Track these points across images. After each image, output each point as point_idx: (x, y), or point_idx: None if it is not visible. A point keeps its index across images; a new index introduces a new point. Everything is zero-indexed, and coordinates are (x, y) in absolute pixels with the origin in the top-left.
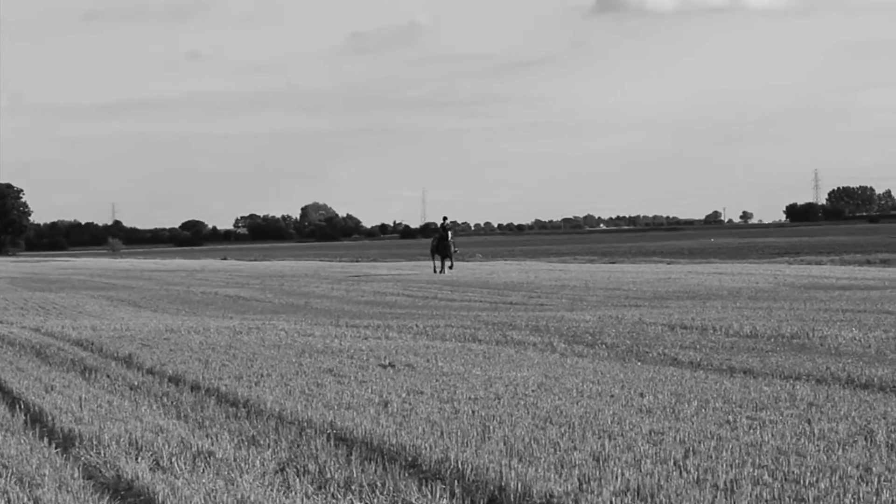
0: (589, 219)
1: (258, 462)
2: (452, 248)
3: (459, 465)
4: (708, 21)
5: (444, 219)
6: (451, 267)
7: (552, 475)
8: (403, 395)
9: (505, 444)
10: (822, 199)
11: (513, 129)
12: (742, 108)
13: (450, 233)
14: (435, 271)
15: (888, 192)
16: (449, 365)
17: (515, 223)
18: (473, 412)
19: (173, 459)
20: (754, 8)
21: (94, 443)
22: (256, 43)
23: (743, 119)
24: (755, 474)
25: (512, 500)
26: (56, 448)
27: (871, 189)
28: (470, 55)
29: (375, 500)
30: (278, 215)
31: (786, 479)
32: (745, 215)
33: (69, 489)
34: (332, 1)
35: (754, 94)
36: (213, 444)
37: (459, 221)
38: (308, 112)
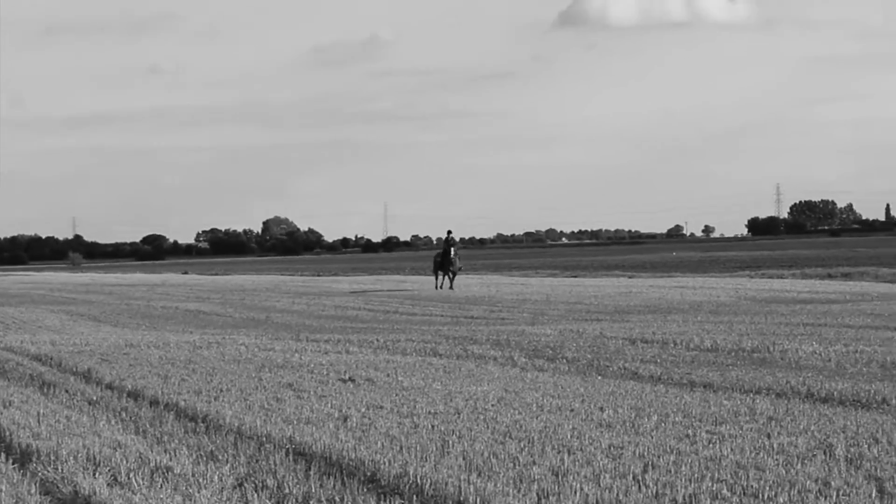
0: (551, 233)
1: (216, 477)
2: (457, 265)
3: (418, 480)
4: (669, 35)
5: (449, 233)
6: (451, 287)
7: (511, 490)
8: (363, 409)
9: (464, 458)
10: (784, 213)
11: (474, 142)
12: (703, 122)
13: (453, 249)
14: (437, 287)
15: (850, 206)
16: (409, 379)
17: (477, 237)
18: (433, 427)
19: (131, 475)
20: (715, 22)
21: (52, 458)
22: (217, 57)
23: (704, 133)
24: (714, 489)
25: None
26: (13, 464)
27: (833, 203)
28: (431, 69)
29: None
30: (240, 229)
31: (744, 494)
32: (707, 229)
33: None
34: (293, 15)
35: (715, 109)
36: (171, 460)
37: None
38: (269, 126)
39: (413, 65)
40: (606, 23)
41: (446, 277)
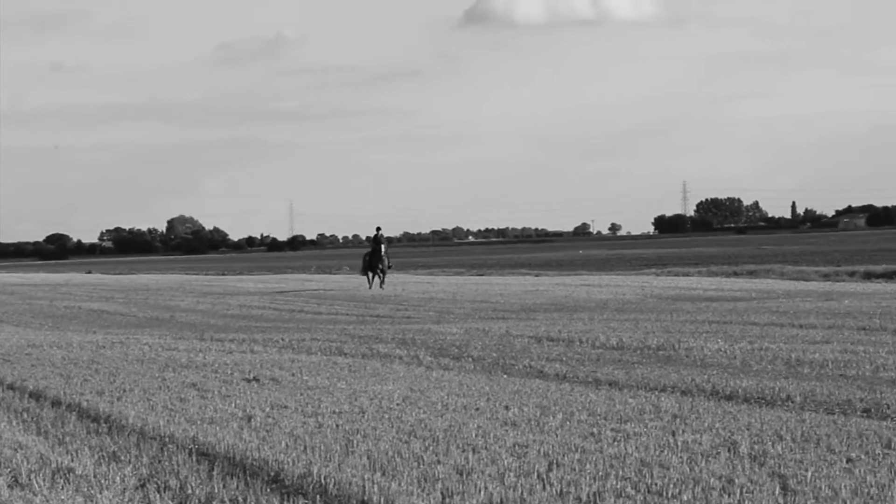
0: (458, 231)
1: (118, 478)
2: (387, 263)
3: (322, 480)
4: (576, 33)
5: (378, 229)
6: (381, 284)
7: (415, 489)
8: (267, 409)
9: (368, 458)
10: (691, 211)
11: (381, 141)
12: (611, 119)
13: (383, 245)
14: (370, 287)
15: (756, 204)
16: (314, 379)
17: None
18: (337, 426)
19: (32, 476)
20: (622, 20)
21: None
22: (122, 54)
23: (611, 131)
24: (618, 487)
25: None
26: None
27: (739, 200)
28: (337, 67)
29: None
30: (144, 228)
31: (648, 492)
32: (614, 227)
33: None
34: (198, 12)
35: (623, 106)
36: (73, 461)
37: (327, 234)
38: (175, 124)
39: (319, 63)
40: (513, 20)
41: (376, 276)
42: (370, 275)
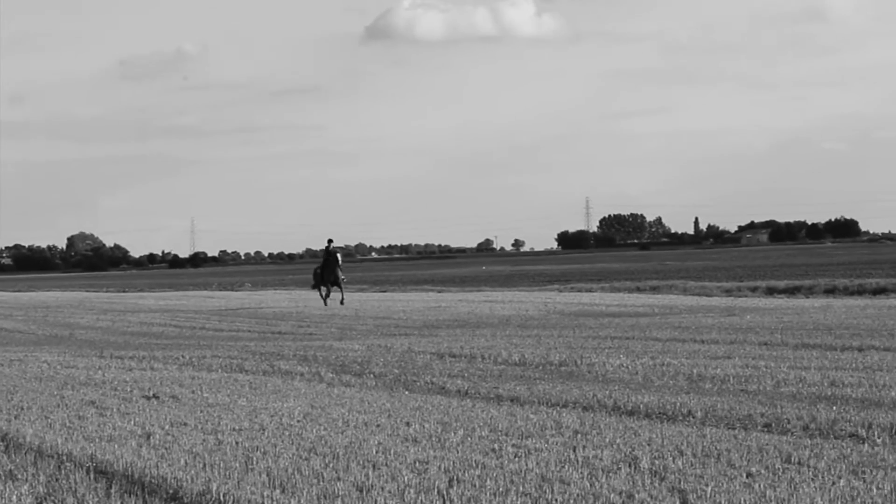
0: (360, 247)
1: (15, 497)
2: (341, 276)
3: (221, 498)
4: (477, 50)
5: (330, 241)
6: (342, 301)
7: None
8: (167, 426)
9: (268, 475)
10: (594, 227)
11: (283, 157)
12: (513, 135)
13: (339, 256)
14: (325, 303)
15: (659, 220)
16: (214, 396)
17: (286, 252)
18: (237, 443)
19: None
20: (523, 37)
21: None
22: (20, 70)
23: (514, 147)
24: (518, 503)
25: None
26: None
27: (642, 216)
28: (239, 83)
29: None
30: (44, 245)
31: None
32: (517, 243)
33: None
34: (97, 28)
35: (525, 122)
36: None
37: (229, 251)
38: (75, 140)
39: (220, 79)
40: (414, 37)
41: (330, 291)
42: (322, 290)
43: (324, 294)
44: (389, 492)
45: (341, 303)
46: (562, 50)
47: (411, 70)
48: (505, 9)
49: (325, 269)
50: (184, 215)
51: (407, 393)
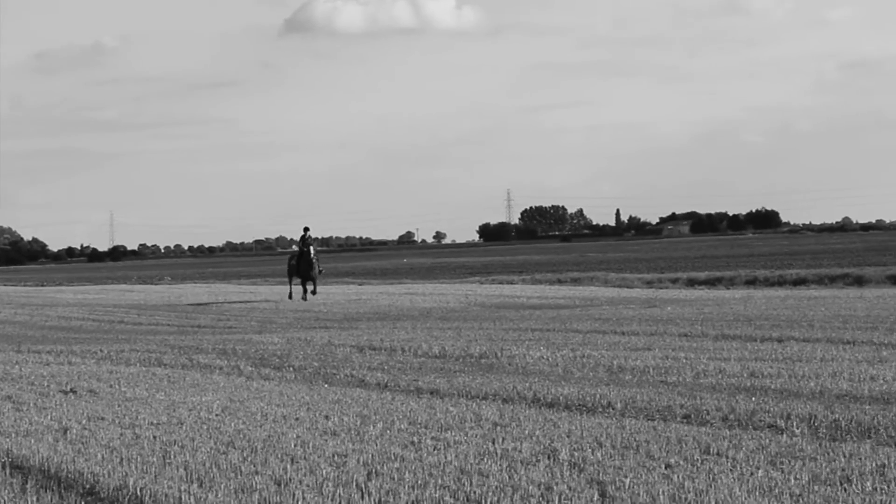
0: (281, 240)
1: None
2: (317, 268)
3: (138, 492)
4: (398, 42)
5: (306, 230)
6: (314, 292)
7: (232, 500)
8: (84, 421)
9: (185, 469)
10: (515, 219)
11: (203, 150)
12: (434, 128)
13: (312, 248)
14: (290, 296)
15: (580, 212)
16: (132, 390)
17: (206, 245)
18: (155, 437)
19: None
20: (443, 29)
21: None
22: None
23: (435, 139)
24: (437, 495)
25: None
26: None
27: (564, 208)
28: (157, 76)
29: None
30: None
31: (467, 500)
32: (439, 235)
33: None
34: (13, 21)
35: (446, 115)
36: None
37: (149, 244)
38: None
39: (138, 72)
40: (334, 29)
41: (305, 284)
42: (297, 281)
43: (296, 288)
44: (308, 485)
45: (312, 293)
46: (482, 43)
47: (331, 63)
48: (425, 1)
49: (301, 260)
50: (103, 209)
51: (326, 386)
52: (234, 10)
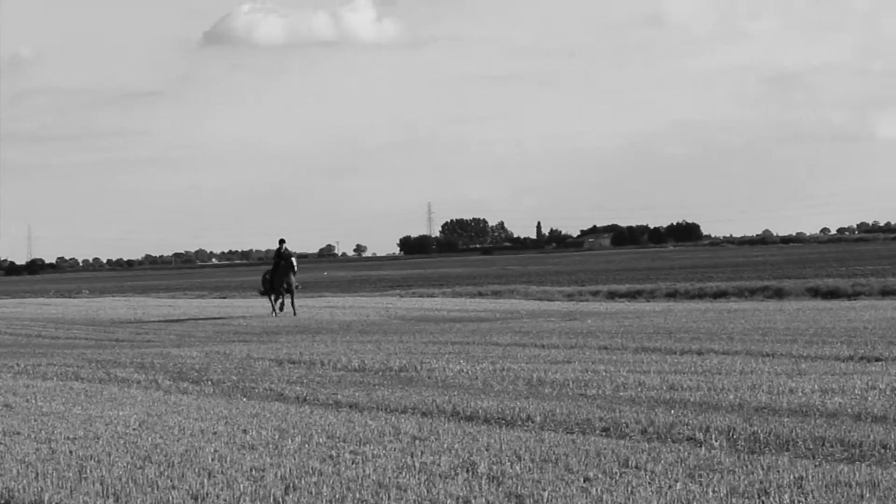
0: (200, 254)
1: None
2: (293, 282)
3: None
4: (318, 55)
5: (282, 242)
6: (292, 307)
7: None
8: None
9: (102, 484)
10: (436, 232)
11: (122, 162)
12: (356, 141)
13: (294, 260)
14: (274, 312)
15: (501, 224)
16: (49, 404)
17: (125, 259)
18: (71, 452)
19: None
20: (364, 42)
21: None
22: None
23: (356, 152)
24: None
25: None
26: None
27: (485, 221)
28: (76, 88)
29: None
30: None
31: None
32: (359, 248)
33: None
34: None
35: (367, 127)
36: None
37: (67, 257)
38: None
39: (57, 84)
40: (253, 41)
41: (282, 299)
42: (273, 297)
43: (274, 301)
44: (225, 500)
45: (292, 310)
46: (404, 55)
47: (251, 75)
48: (345, 13)
49: (276, 273)
50: (20, 222)
51: (245, 400)
52: (153, 22)
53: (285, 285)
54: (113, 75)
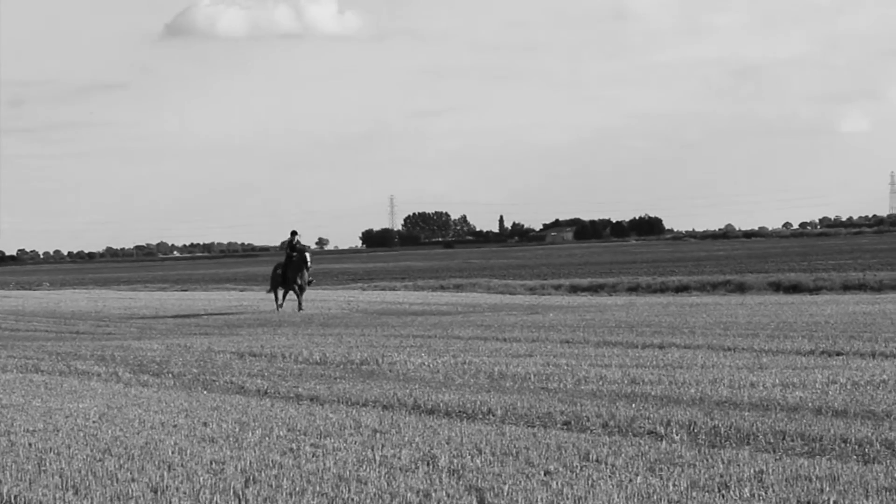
0: (162, 246)
1: None
2: (307, 277)
3: (12, 500)
4: (280, 47)
5: (294, 234)
6: (300, 306)
7: None
8: None
9: (61, 476)
10: (399, 226)
11: (83, 155)
12: (317, 133)
13: (308, 255)
14: (278, 308)
15: (464, 218)
16: (8, 397)
17: (86, 251)
18: (30, 445)
19: None
20: (326, 34)
21: None
22: None
23: (320, 145)
24: (315, 502)
25: None
26: None
27: (447, 214)
28: (37, 80)
29: None
30: None
31: None
32: (322, 241)
33: None
34: None
35: (329, 120)
36: None
37: (28, 249)
38: None
39: (17, 76)
40: (215, 34)
41: (289, 293)
42: (281, 292)
43: (281, 297)
44: (184, 492)
45: (299, 308)
46: (366, 48)
47: (213, 67)
48: (307, 6)
49: (289, 267)
50: None
51: (205, 393)
52: (113, 14)
53: (299, 281)
54: (73, 68)
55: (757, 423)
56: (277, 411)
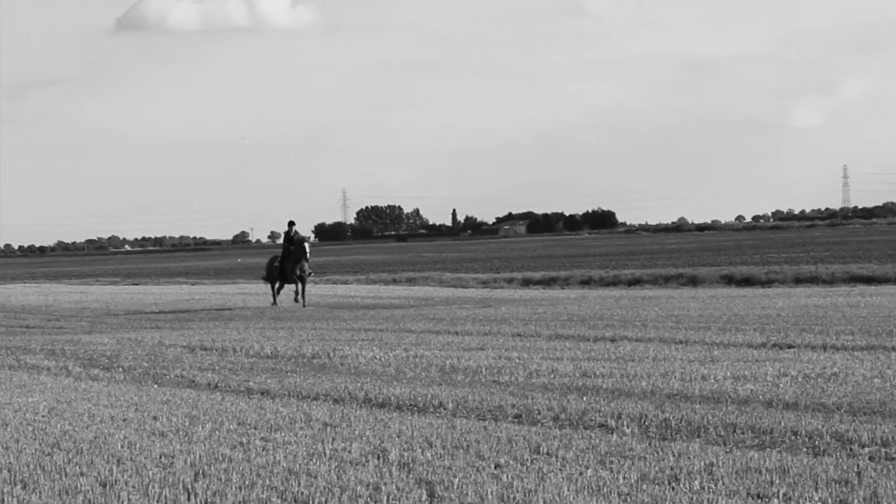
0: (113, 240)
1: None
2: (307, 269)
3: None
4: (233, 40)
5: (291, 224)
6: (303, 302)
7: (55, 502)
8: None
9: (9, 471)
10: (351, 219)
11: (33, 149)
12: (271, 127)
13: (307, 245)
14: (275, 302)
15: (417, 211)
16: None
17: (37, 245)
18: None
19: None
20: (279, 27)
21: None
22: None
23: (271, 139)
24: (264, 496)
25: None
26: None
27: (400, 208)
28: None
29: None
30: None
31: (295, 501)
32: (273, 235)
33: None
34: None
35: (281, 114)
36: None
37: None
38: None
39: None
40: (167, 27)
41: (288, 286)
42: (279, 286)
43: (278, 291)
44: (133, 486)
45: (301, 301)
46: (319, 42)
47: (165, 61)
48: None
49: (287, 259)
50: None
51: (156, 387)
52: (63, 8)
53: (298, 272)
54: (23, 62)
55: (708, 416)
56: (228, 405)
